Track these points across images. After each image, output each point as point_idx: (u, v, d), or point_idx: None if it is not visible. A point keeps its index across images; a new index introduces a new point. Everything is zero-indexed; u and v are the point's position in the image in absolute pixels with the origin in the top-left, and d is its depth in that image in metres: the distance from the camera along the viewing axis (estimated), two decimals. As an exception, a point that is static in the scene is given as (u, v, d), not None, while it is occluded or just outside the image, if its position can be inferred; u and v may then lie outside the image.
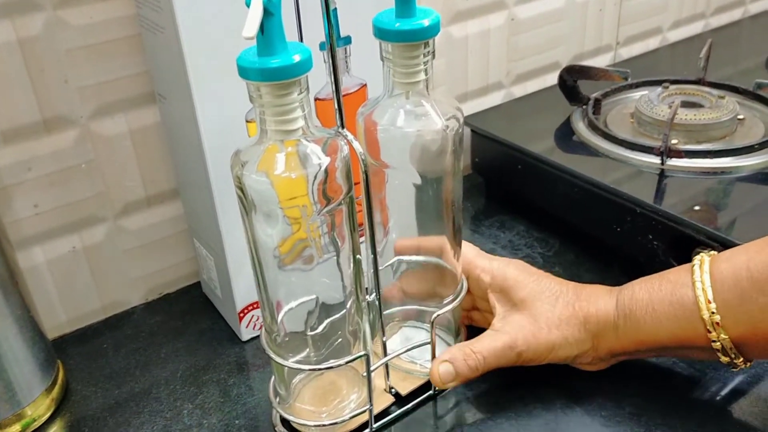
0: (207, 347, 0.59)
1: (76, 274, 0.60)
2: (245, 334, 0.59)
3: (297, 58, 0.37)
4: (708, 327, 0.44)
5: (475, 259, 0.53)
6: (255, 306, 0.58)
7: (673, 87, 0.74)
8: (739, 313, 0.43)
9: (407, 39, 0.42)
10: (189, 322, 0.62)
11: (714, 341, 0.44)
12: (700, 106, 0.70)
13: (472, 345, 0.49)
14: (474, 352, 0.48)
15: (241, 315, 0.58)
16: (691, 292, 0.45)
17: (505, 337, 0.49)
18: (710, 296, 0.44)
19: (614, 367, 0.51)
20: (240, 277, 0.56)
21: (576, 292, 0.50)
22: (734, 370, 0.46)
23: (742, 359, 0.45)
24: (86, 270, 0.60)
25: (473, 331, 0.56)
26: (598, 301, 0.49)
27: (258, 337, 0.59)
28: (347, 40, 0.54)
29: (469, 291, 0.54)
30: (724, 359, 0.45)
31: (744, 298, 0.43)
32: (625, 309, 0.47)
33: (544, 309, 0.49)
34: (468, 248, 0.54)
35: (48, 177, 0.56)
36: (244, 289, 0.56)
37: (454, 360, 0.48)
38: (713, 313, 0.43)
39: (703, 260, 0.46)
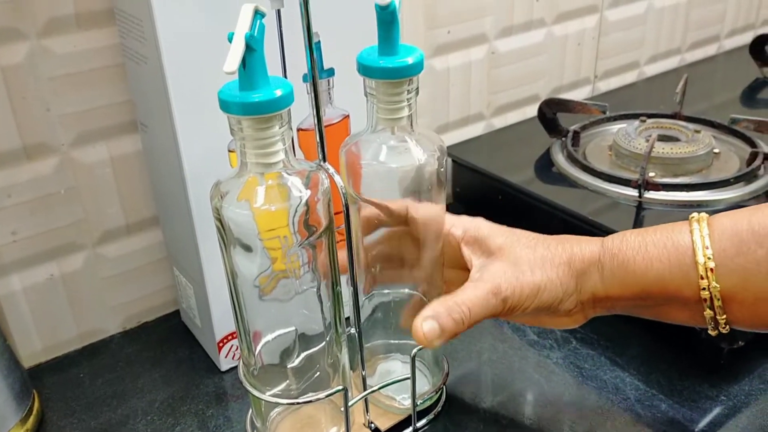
0: (185, 377, 0.58)
1: (53, 302, 0.59)
2: (224, 363, 0.58)
3: (278, 92, 0.38)
4: (701, 273, 0.42)
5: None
6: (234, 335, 0.57)
7: (650, 121, 0.75)
8: (734, 263, 0.42)
9: (391, 76, 0.43)
10: (167, 351, 0.61)
11: (703, 289, 0.43)
12: (677, 140, 0.71)
13: (454, 297, 0.45)
14: (458, 304, 0.45)
15: (220, 344, 0.57)
16: (688, 237, 0.44)
17: (488, 284, 0.45)
18: (707, 243, 0.43)
19: (599, 405, 0.51)
20: (219, 306, 0.55)
21: (555, 238, 0.48)
22: (713, 333, 0.45)
23: (725, 318, 0.43)
24: (64, 298, 0.60)
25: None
26: (581, 242, 0.47)
27: (237, 367, 0.58)
28: (330, 72, 0.54)
29: None
30: (708, 314, 0.43)
31: (742, 248, 0.42)
32: (613, 249, 0.46)
33: (523, 253, 0.47)
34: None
35: (27, 204, 0.55)
36: (223, 319, 0.56)
37: (438, 315, 0.44)
38: (709, 258, 0.42)
39: (702, 216, 0.45)
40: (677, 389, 0.54)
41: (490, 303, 0.45)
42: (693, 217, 0.45)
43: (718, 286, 0.42)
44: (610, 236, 0.47)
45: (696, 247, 0.43)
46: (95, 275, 0.61)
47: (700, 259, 0.42)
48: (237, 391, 0.57)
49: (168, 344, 0.62)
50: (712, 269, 0.42)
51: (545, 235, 0.49)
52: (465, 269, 0.49)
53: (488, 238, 0.48)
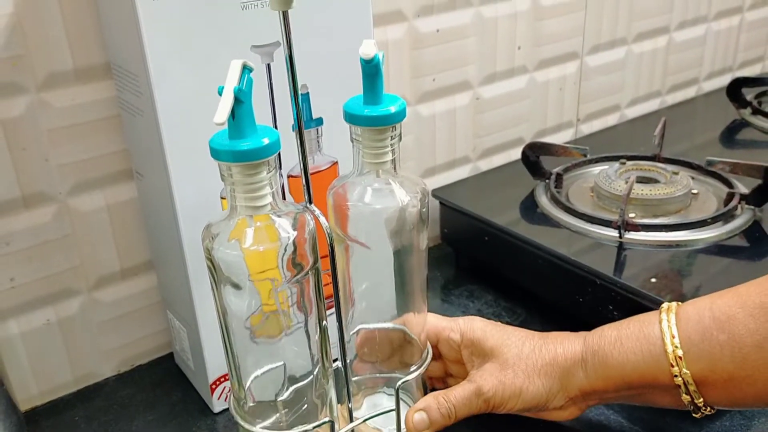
0: (178, 420, 0.59)
1: (49, 347, 0.61)
2: (217, 406, 0.59)
3: (266, 141, 0.40)
4: (671, 361, 0.46)
5: (440, 321, 0.56)
6: (227, 378, 0.59)
7: (629, 163, 0.77)
8: (699, 349, 0.45)
9: (375, 124, 0.45)
10: (161, 394, 0.62)
11: (676, 376, 0.46)
12: (656, 181, 0.74)
13: (444, 394, 0.52)
14: (446, 400, 0.51)
15: (213, 387, 0.58)
16: (657, 328, 0.47)
17: (473, 385, 0.51)
18: (674, 332, 0.46)
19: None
20: (212, 349, 0.57)
21: (542, 336, 0.53)
22: (696, 416, 0.48)
23: (702, 400, 0.46)
24: (60, 342, 0.61)
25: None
26: (565, 341, 0.51)
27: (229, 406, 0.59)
28: (319, 121, 0.57)
29: (441, 358, 0.56)
30: (686, 398, 0.47)
31: (705, 335, 0.45)
32: (593, 345, 0.50)
33: (511, 354, 0.52)
34: (430, 316, 0.56)
35: (25, 251, 0.57)
36: (216, 361, 0.57)
37: (428, 408, 0.51)
38: (676, 347, 0.46)
39: (671, 306, 0.49)
40: (660, 426, 0.55)
41: (473, 403, 0.51)
42: (663, 308, 0.49)
43: (688, 372, 0.46)
44: (591, 332, 0.51)
45: (664, 336, 0.47)
46: (91, 320, 0.62)
47: (669, 348, 0.46)
48: (229, 433, 0.58)
49: (162, 387, 0.63)
50: (680, 357, 0.46)
51: (533, 333, 0.53)
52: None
53: (481, 341, 0.53)
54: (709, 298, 0.47)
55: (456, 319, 0.56)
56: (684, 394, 0.47)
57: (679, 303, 0.49)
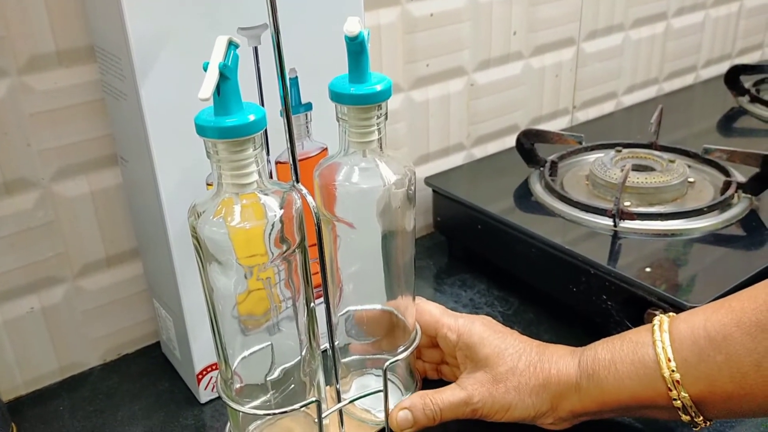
0: (165, 410, 0.58)
1: (33, 336, 0.59)
2: (204, 396, 0.58)
3: (252, 117, 0.39)
4: (668, 385, 0.45)
5: (441, 317, 0.54)
6: (214, 367, 0.58)
7: (625, 150, 0.76)
8: (697, 371, 0.44)
9: (361, 102, 0.45)
10: (147, 384, 0.61)
11: (675, 399, 0.45)
12: (652, 169, 0.73)
13: (432, 396, 0.51)
14: (433, 402, 0.51)
15: (200, 376, 0.57)
16: (652, 351, 0.46)
17: (463, 393, 0.51)
18: (670, 354, 0.45)
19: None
20: (199, 339, 0.56)
21: (539, 351, 0.51)
22: (696, 429, 0.47)
23: (702, 418, 0.46)
24: (44, 331, 0.60)
25: (441, 384, 0.56)
26: (560, 361, 0.50)
27: (216, 399, 0.59)
28: (308, 106, 0.55)
29: (438, 346, 0.55)
30: (685, 418, 0.46)
31: (702, 356, 0.44)
32: (587, 369, 0.49)
33: (505, 369, 0.50)
34: (434, 307, 0.56)
35: (8, 238, 0.56)
36: (203, 351, 0.56)
37: (414, 407, 0.51)
38: (673, 371, 0.45)
39: (663, 321, 0.47)
40: (654, 420, 0.54)
41: (460, 409, 0.51)
42: (655, 324, 0.47)
43: (687, 395, 0.45)
44: (585, 351, 0.50)
45: (660, 360, 0.45)
46: (75, 308, 0.61)
47: (666, 373, 0.45)
48: (217, 423, 0.57)
49: (148, 376, 0.62)
50: (678, 381, 0.45)
51: (531, 345, 0.52)
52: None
53: (477, 347, 0.52)
54: (702, 313, 0.46)
55: (458, 318, 0.54)
56: (683, 414, 0.46)
57: (672, 315, 0.48)
